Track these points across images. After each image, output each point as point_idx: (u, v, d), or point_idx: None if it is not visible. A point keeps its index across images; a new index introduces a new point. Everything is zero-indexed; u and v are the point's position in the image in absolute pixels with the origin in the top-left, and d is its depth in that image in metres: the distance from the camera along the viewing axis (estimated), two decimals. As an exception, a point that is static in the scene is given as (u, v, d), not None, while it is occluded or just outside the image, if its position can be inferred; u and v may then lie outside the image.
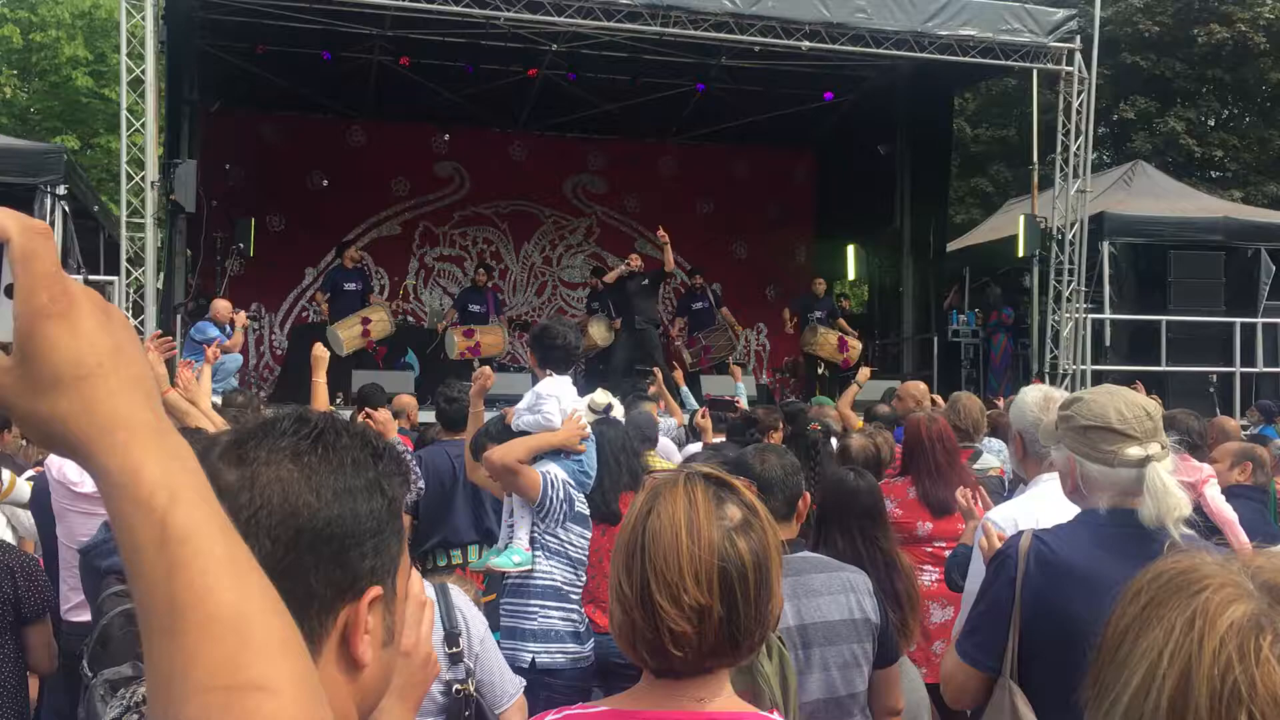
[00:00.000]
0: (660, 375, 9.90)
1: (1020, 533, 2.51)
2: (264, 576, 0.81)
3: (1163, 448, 2.45)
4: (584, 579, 4.28)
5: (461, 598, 3.01)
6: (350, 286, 13.16)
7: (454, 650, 2.89)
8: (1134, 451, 2.40)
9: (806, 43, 11.90)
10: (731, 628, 1.50)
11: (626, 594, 1.53)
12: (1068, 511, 3.03)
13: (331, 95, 15.39)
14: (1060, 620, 2.38)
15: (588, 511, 4.34)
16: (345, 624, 1.06)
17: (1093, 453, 2.45)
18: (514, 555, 4.18)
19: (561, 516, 4.19)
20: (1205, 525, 3.37)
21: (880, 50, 12.23)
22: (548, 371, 4.47)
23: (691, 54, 13.91)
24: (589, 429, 4.40)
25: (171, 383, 4.61)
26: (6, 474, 5.03)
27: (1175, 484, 2.40)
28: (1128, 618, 1.01)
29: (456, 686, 2.89)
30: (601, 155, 17.36)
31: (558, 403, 4.30)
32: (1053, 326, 13.12)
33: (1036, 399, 3.28)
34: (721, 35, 11.80)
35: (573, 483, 4.26)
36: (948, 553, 4.29)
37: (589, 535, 4.30)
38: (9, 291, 0.82)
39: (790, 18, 11.72)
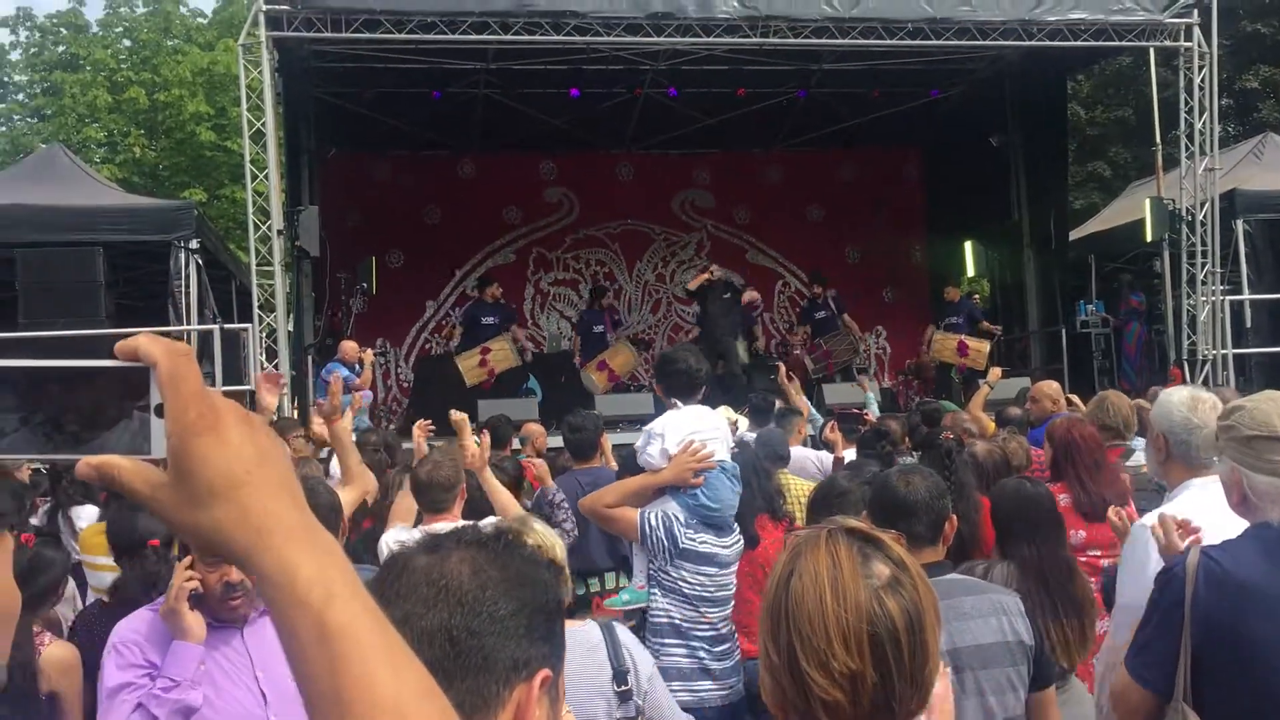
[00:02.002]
0: (783, 370, 9.86)
1: (1188, 550, 2.41)
2: (418, 662, 0.84)
3: (1334, 453, 2.33)
4: (710, 615, 4.14)
5: (628, 635, 3.00)
6: (488, 320, 13.27)
7: (623, 689, 2.85)
8: (1304, 459, 2.29)
9: (910, 41, 11.70)
10: (886, 694, 1.40)
11: (774, 661, 1.45)
12: (1221, 521, 2.89)
13: (440, 131, 15.72)
14: (1234, 641, 2.28)
15: (706, 549, 4.15)
16: (518, 703, 1.12)
17: (1259, 463, 2.34)
18: (624, 595, 4.15)
19: (669, 555, 4.07)
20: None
21: (987, 42, 11.96)
22: (674, 401, 4.38)
23: (793, 60, 13.82)
24: (717, 456, 4.21)
25: (305, 422, 4.83)
26: None
27: (1351, 491, 2.28)
28: None
29: None
30: (707, 169, 17.36)
31: (661, 441, 4.18)
32: (1188, 311, 12.61)
33: (1184, 398, 3.18)
34: (823, 41, 11.68)
35: (681, 519, 4.09)
36: (1104, 562, 4.15)
37: (711, 572, 4.14)
38: (159, 411, 0.86)
39: (892, 17, 11.52)
